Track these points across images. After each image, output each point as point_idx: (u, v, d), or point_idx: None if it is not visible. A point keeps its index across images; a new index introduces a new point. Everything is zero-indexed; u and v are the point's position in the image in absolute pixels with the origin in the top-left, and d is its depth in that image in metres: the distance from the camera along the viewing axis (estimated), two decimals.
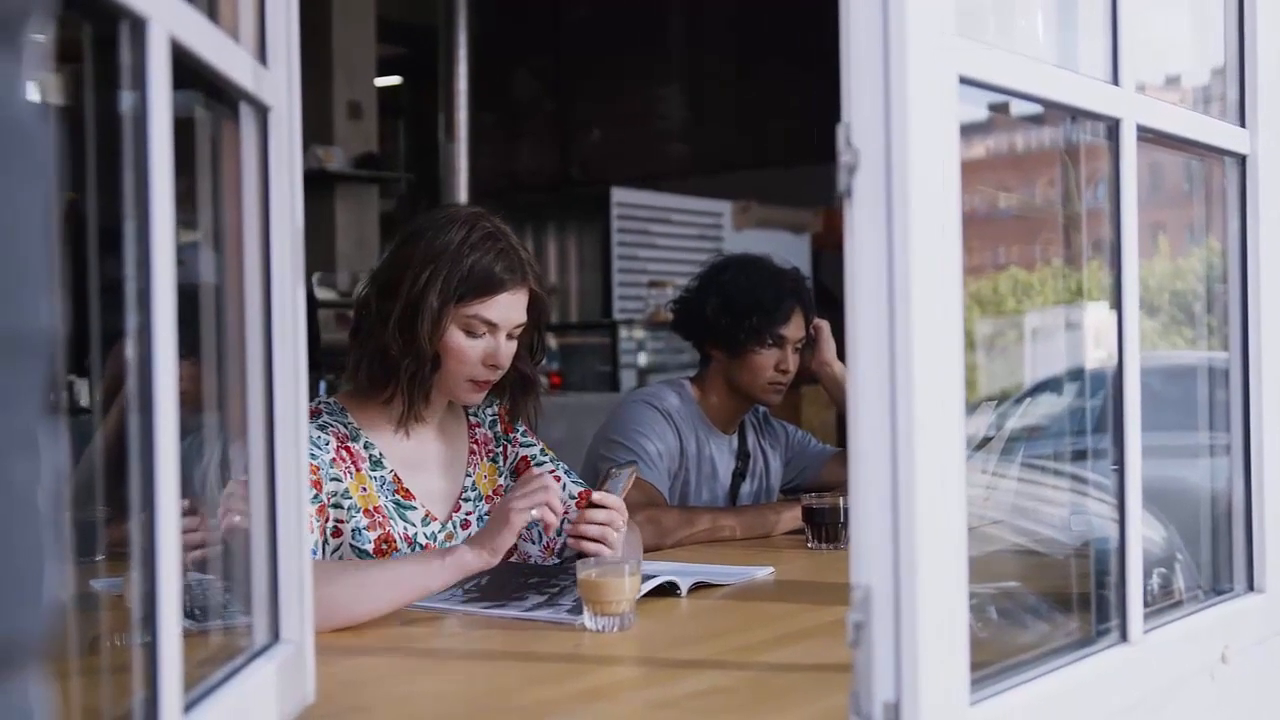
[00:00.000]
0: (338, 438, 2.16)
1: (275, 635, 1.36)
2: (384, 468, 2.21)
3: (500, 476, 2.38)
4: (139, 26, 0.99)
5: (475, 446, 2.37)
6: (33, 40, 0.57)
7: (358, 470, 2.18)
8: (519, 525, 1.97)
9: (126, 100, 1.02)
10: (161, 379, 1.01)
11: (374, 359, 2.19)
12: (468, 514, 2.31)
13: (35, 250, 0.55)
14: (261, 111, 1.34)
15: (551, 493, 2.00)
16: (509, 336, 2.22)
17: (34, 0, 0.57)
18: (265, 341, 1.36)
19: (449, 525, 2.27)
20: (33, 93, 0.57)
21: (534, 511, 1.97)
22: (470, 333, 2.18)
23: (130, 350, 1.01)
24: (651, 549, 2.68)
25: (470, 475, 2.34)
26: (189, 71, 1.11)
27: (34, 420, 0.56)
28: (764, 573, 2.34)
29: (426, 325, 2.15)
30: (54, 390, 0.59)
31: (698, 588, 2.16)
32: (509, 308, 2.20)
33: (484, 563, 1.97)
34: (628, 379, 7.39)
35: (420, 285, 2.14)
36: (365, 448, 2.21)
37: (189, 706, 1.09)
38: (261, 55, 1.34)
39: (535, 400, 2.36)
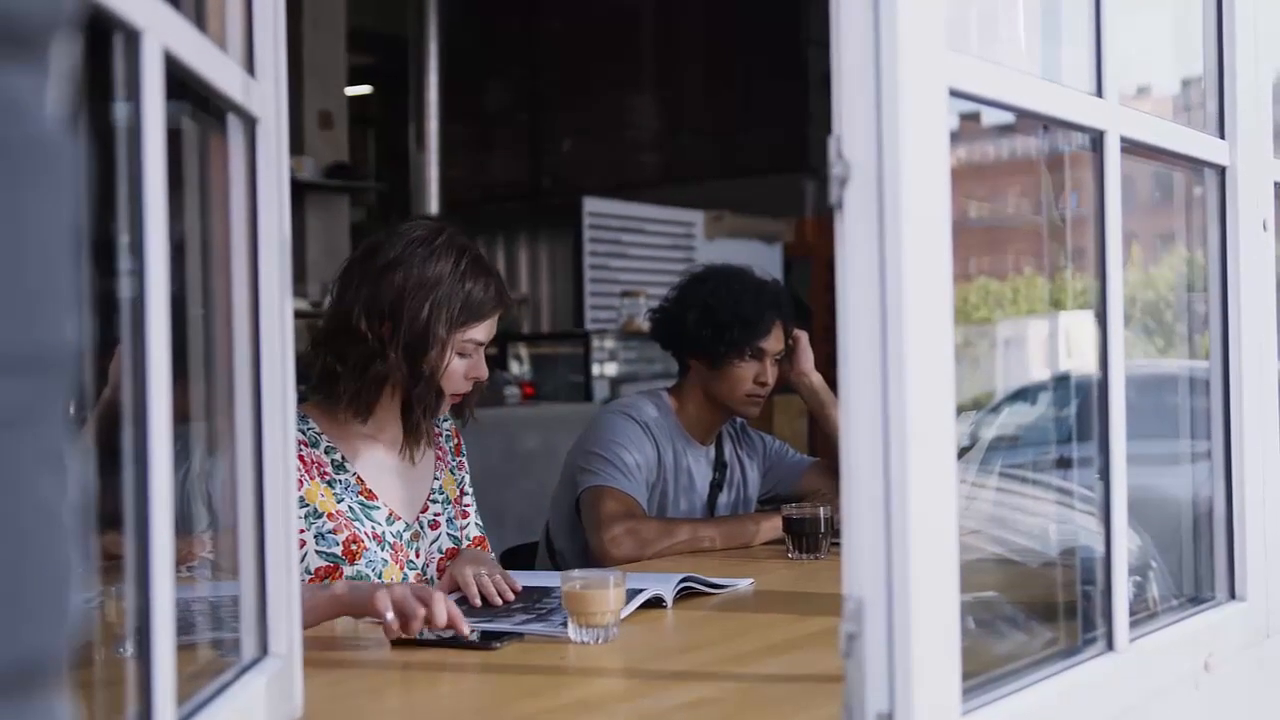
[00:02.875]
0: None
1: (264, 649, 1.36)
2: (347, 471, 2.26)
3: (456, 487, 2.45)
4: (133, 38, 0.99)
5: (440, 453, 2.44)
6: (57, 55, 0.56)
7: (313, 478, 2.21)
8: (375, 612, 1.83)
9: (119, 111, 1.01)
10: (155, 390, 1.00)
11: (375, 385, 2.23)
12: (436, 514, 2.37)
13: (63, 266, 0.55)
14: (250, 123, 1.33)
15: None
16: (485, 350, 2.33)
17: (59, 16, 0.57)
18: (253, 354, 1.35)
19: (415, 525, 2.32)
20: (57, 106, 0.56)
21: (389, 615, 1.80)
22: (462, 355, 2.27)
23: (124, 361, 1.00)
24: (632, 560, 2.68)
25: (438, 479, 2.40)
26: (178, 82, 1.11)
27: (60, 436, 0.56)
28: (745, 584, 2.34)
29: (434, 356, 2.22)
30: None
31: (684, 595, 2.16)
32: (493, 326, 2.31)
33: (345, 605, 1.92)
34: (600, 389, 7.38)
35: (424, 318, 2.20)
36: (326, 453, 2.25)
37: None
38: (250, 67, 1.34)
39: (479, 394, 2.41)
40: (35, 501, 0.54)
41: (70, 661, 0.59)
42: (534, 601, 2.10)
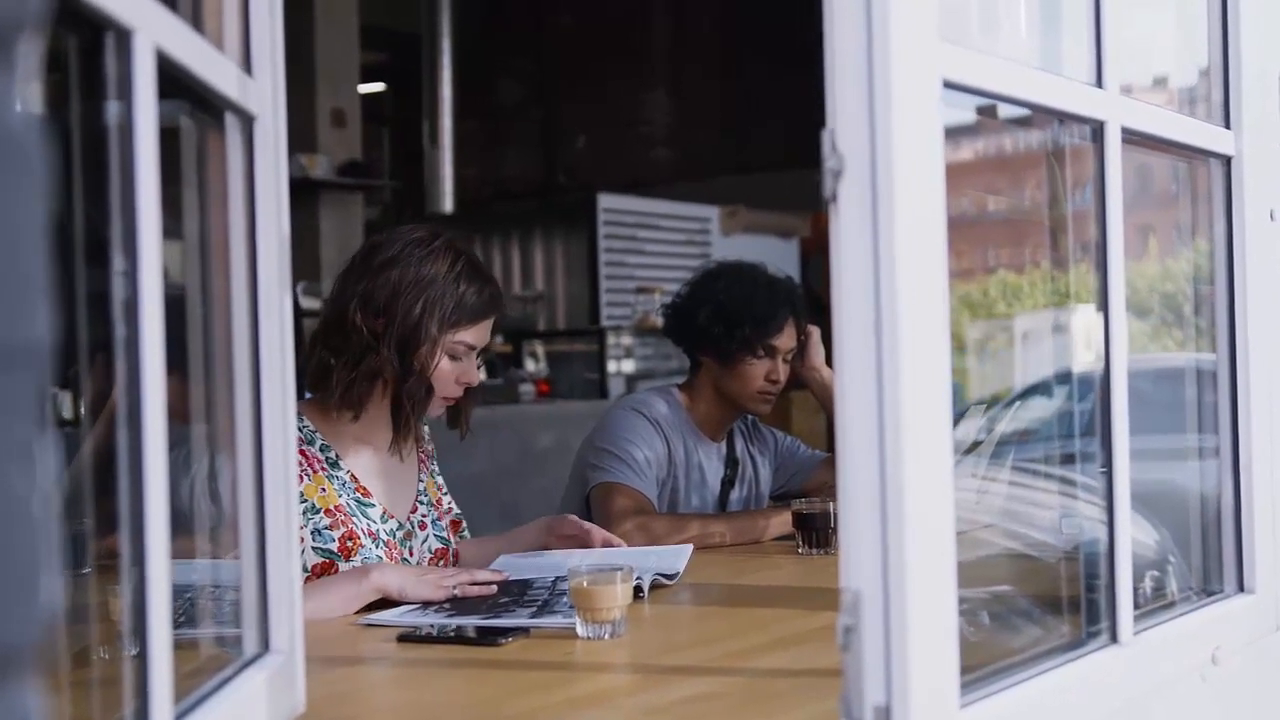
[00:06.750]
0: None
1: (265, 645, 1.36)
2: (342, 469, 2.30)
3: (437, 490, 2.50)
4: (124, 37, 0.99)
5: (424, 457, 2.49)
6: (26, 51, 0.57)
7: (315, 473, 2.25)
8: (435, 598, 2.09)
9: (112, 110, 1.01)
10: (149, 390, 1.01)
11: (366, 379, 2.26)
12: (423, 516, 2.42)
13: (32, 260, 0.56)
14: (247, 121, 1.34)
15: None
16: (478, 356, 2.36)
17: (28, 12, 0.57)
18: (253, 352, 1.35)
19: (407, 524, 2.37)
20: (25, 103, 0.57)
21: (456, 591, 2.11)
22: (453, 356, 2.30)
23: (118, 362, 1.00)
24: None
25: (422, 481, 2.45)
26: (173, 81, 1.11)
27: (31, 430, 0.57)
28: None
29: (424, 352, 2.25)
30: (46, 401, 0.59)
31: (690, 589, 2.17)
32: (487, 332, 2.34)
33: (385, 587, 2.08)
34: (616, 386, 7.39)
35: (416, 314, 2.24)
36: (321, 450, 2.29)
37: (179, 717, 1.09)
38: (246, 65, 1.34)
39: (473, 403, 2.44)
40: (6, 495, 0.55)
41: (45, 652, 0.59)
42: (520, 595, 2.10)
